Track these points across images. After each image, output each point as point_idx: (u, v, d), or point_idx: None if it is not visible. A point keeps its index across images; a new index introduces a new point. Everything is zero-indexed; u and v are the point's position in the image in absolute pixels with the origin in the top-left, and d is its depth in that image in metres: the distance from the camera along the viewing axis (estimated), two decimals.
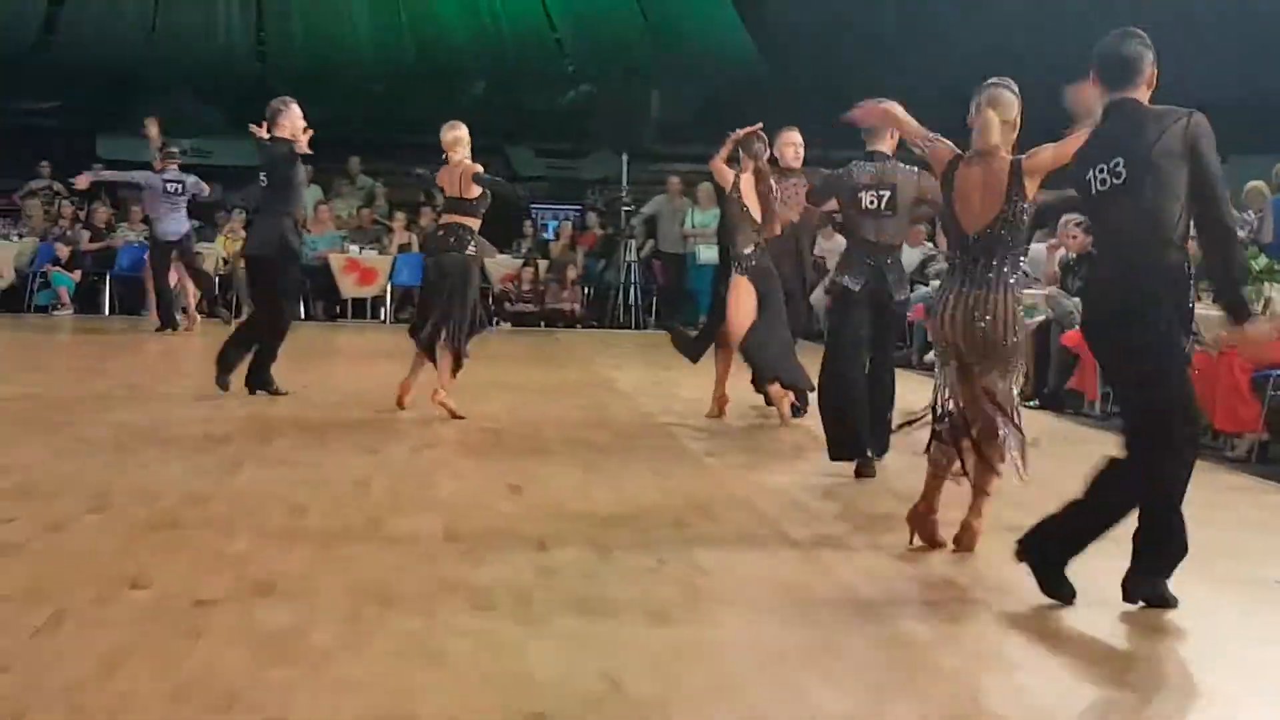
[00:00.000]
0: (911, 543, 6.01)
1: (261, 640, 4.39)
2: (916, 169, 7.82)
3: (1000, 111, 5.72)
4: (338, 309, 19.19)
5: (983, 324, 5.66)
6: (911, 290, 13.81)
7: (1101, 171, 4.99)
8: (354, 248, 19.09)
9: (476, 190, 9.65)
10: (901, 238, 8.28)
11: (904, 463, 8.42)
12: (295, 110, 10.83)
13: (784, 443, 9.22)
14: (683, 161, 21.39)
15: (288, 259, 10.77)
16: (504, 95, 24.78)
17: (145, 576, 5.08)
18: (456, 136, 9.83)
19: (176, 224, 15.77)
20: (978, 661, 4.56)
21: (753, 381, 10.21)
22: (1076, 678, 4.45)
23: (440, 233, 9.89)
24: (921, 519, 6.00)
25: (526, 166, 22.98)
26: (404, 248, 19.24)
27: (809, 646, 4.56)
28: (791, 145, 10.21)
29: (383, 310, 19.08)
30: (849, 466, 7.80)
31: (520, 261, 19.42)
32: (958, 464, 5.86)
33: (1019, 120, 5.79)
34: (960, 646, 4.70)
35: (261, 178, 10.88)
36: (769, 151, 9.80)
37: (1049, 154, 5.63)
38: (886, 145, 8.02)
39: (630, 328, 19.43)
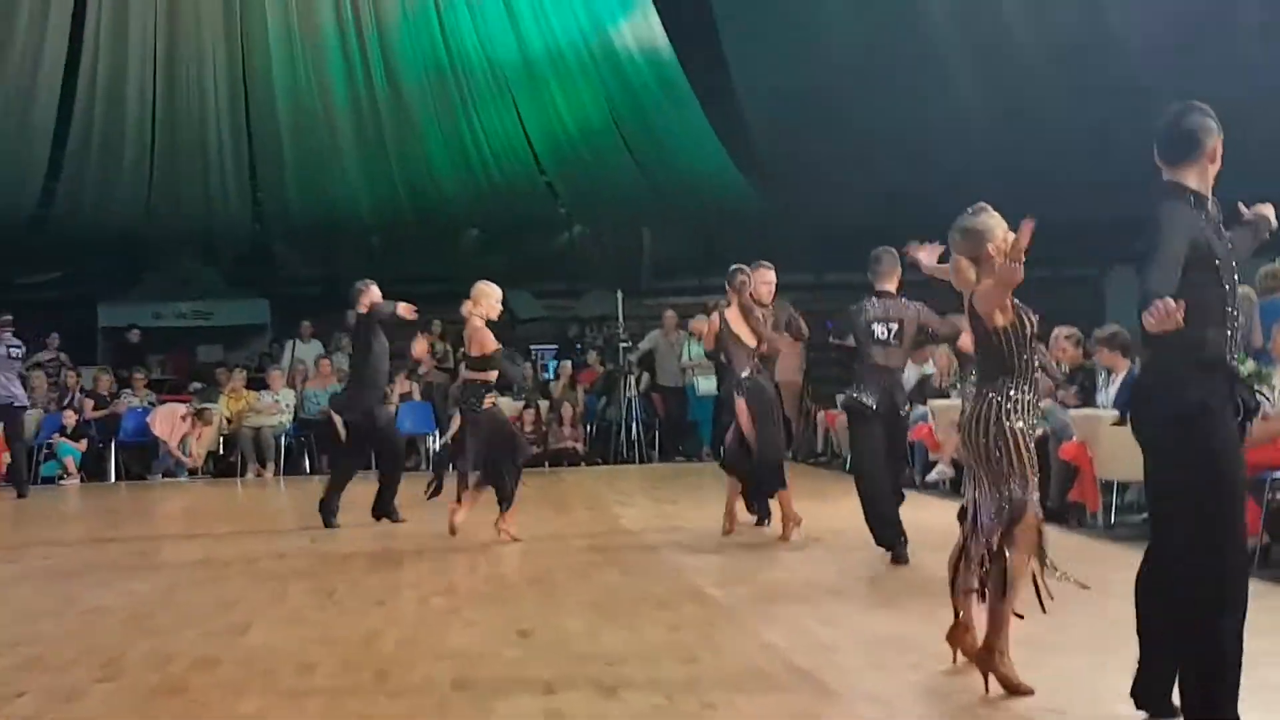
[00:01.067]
0: (955, 661, 6.00)
1: None
2: (918, 305, 9.53)
3: (968, 249, 5.76)
4: None
5: (971, 438, 5.75)
6: (911, 408, 13.93)
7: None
8: None
9: (490, 350, 10.63)
10: (904, 362, 9.84)
11: (902, 584, 8.50)
12: (374, 290, 12.49)
13: (790, 571, 9.22)
14: (677, 295, 21.69)
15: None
16: (499, 241, 25.13)
17: None
18: (473, 299, 10.74)
19: (16, 388, 16.35)
20: None
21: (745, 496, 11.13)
22: None
23: (463, 389, 10.98)
24: (961, 636, 5.99)
25: (525, 309, 23.22)
26: (406, 396, 19.37)
27: None
28: (765, 283, 11.12)
29: None
30: (857, 589, 7.91)
31: (521, 403, 19.53)
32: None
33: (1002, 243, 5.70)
34: None
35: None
36: (750, 284, 10.74)
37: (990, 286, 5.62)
38: (892, 284, 9.55)
39: (634, 462, 19.50)
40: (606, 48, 22.15)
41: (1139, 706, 5.00)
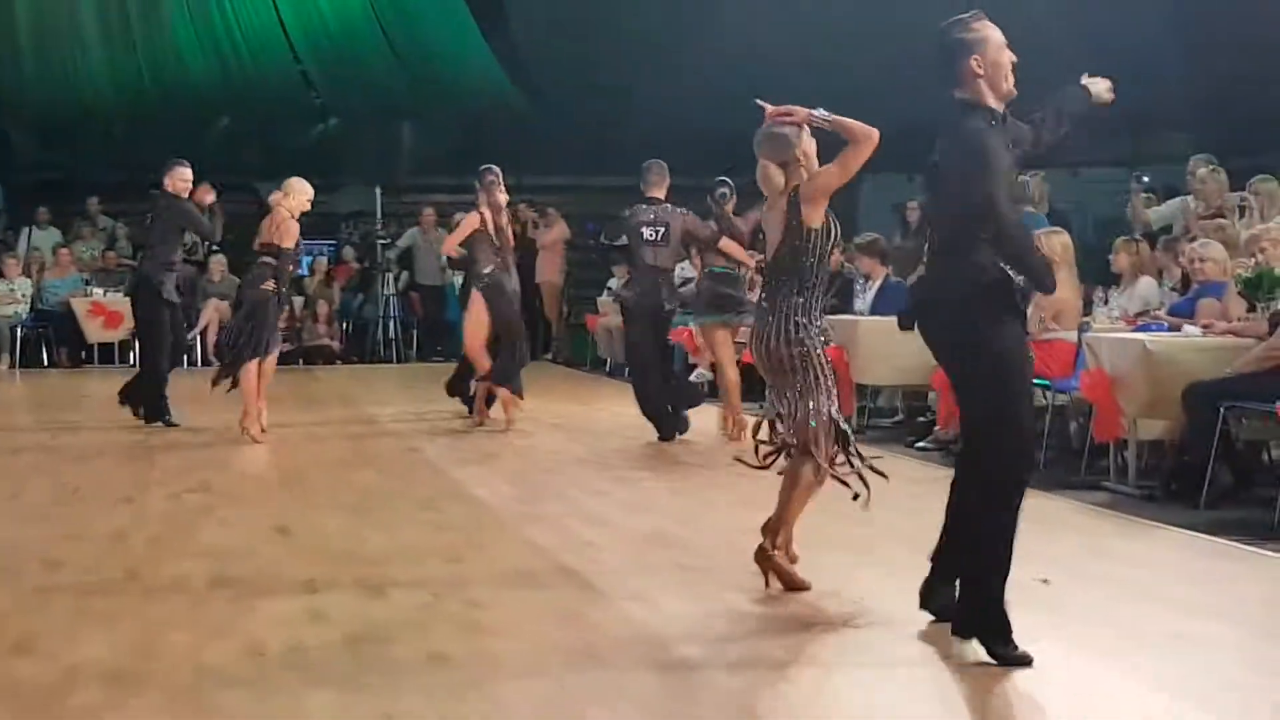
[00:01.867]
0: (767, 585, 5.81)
1: (23, 702, 4.24)
2: (682, 210, 10.56)
3: (775, 155, 5.76)
4: (83, 354, 18.56)
5: (764, 348, 5.76)
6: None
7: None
8: (98, 291, 18.49)
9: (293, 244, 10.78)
10: (673, 263, 10.91)
11: (661, 485, 8.58)
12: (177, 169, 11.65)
13: (553, 472, 9.21)
14: (438, 193, 21.35)
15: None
16: (251, 131, 24.38)
17: None
18: (284, 190, 10.85)
19: None
20: (756, 682, 4.64)
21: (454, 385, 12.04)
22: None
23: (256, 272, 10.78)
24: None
25: None
26: (138, 282, 18.68)
27: (590, 682, 4.56)
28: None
29: (131, 354, 18.50)
30: (618, 490, 8.05)
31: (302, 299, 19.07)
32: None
33: (806, 146, 5.75)
34: (745, 672, 4.76)
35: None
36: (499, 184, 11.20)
37: (830, 177, 5.66)
38: (660, 192, 10.60)
39: (391, 361, 19.25)
40: None
41: (924, 606, 5.11)
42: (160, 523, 7.28)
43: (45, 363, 18.28)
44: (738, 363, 12.95)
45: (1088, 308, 9.82)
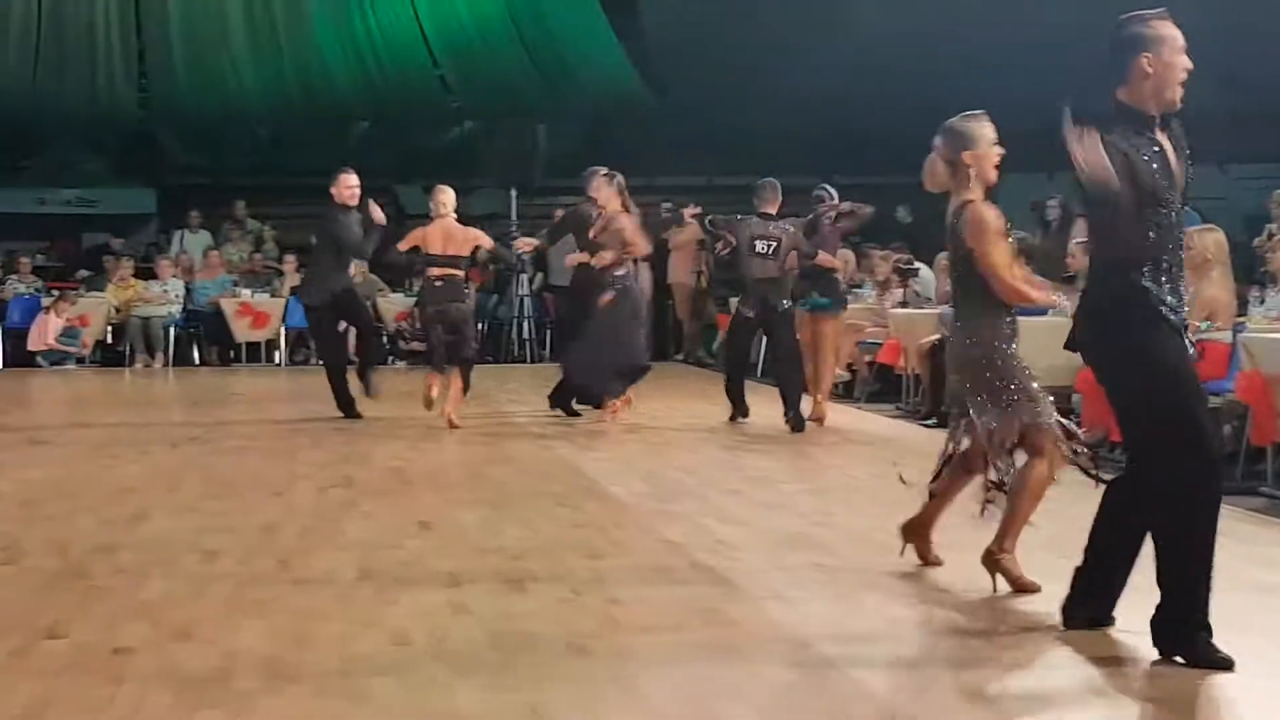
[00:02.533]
0: (902, 554, 6.09)
1: (183, 685, 4.42)
2: (792, 227, 11.40)
3: (946, 150, 5.71)
4: (231, 354, 19.05)
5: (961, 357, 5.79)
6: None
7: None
8: (245, 292, 18.98)
9: (468, 249, 11.49)
10: (781, 274, 11.38)
11: (796, 484, 8.62)
12: (342, 177, 12.00)
13: (686, 470, 9.30)
14: (571, 194, 21.53)
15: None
16: (390, 135, 24.78)
17: (61, 626, 5.09)
18: (450, 199, 11.50)
19: None
20: (897, 682, 4.69)
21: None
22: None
23: (439, 284, 11.34)
24: (920, 532, 6.09)
25: (416, 204, 22.94)
26: (296, 290, 19.13)
27: (729, 677, 4.63)
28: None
29: (277, 353, 18.97)
30: (753, 490, 8.11)
31: (413, 300, 19.36)
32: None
33: (981, 149, 5.64)
34: (885, 671, 4.81)
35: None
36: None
37: (999, 251, 5.60)
38: (773, 209, 11.42)
39: (525, 361, 19.48)
40: None
41: (1067, 625, 5.03)
42: (308, 516, 7.50)
43: (196, 361, 18.81)
44: (871, 363, 13.03)
45: (1242, 307, 9.62)
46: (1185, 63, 4.68)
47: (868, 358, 13.74)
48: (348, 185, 11.86)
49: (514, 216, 21.07)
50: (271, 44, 22.73)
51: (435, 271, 11.43)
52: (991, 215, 5.59)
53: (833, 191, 12.41)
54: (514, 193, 21.04)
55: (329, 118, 24.33)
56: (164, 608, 5.43)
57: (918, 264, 14.48)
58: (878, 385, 13.64)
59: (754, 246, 11.29)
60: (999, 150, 5.67)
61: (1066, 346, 4.96)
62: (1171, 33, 4.68)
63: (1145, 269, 4.61)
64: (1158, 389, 4.60)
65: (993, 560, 5.61)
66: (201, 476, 8.84)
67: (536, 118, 23.40)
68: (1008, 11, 18.31)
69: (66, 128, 22.82)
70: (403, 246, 11.75)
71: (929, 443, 10.52)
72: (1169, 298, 4.63)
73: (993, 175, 5.68)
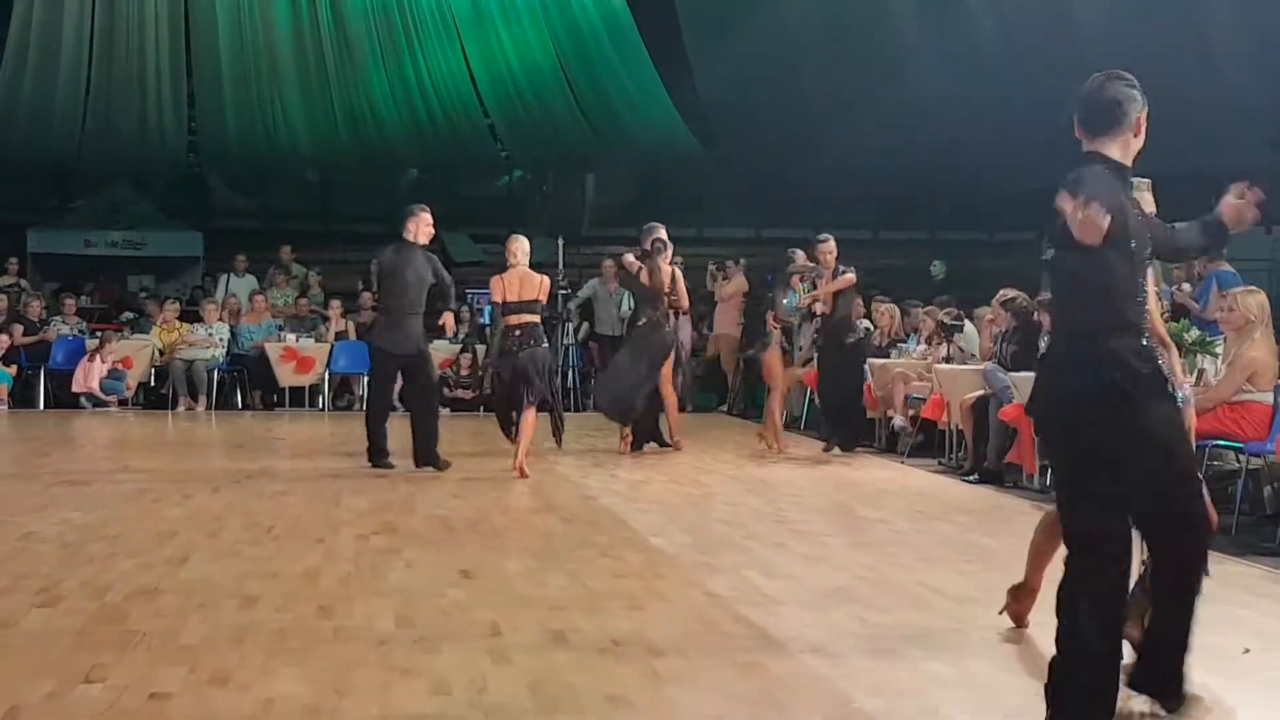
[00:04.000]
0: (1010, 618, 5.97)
1: None
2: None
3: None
4: (275, 398, 19.10)
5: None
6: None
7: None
8: (290, 336, 19.04)
9: (544, 296, 11.77)
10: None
11: (840, 539, 8.53)
12: (423, 215, 11.86)
13: (729, 524, 9.22)
14: (618, 244, 21.60)
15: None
16: (438, 182, 24.94)
17: (99, 670, 5.07)
18: (524, 248, 11.69)
19: None
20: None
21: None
22: None
23: (518, 332, 11.49)
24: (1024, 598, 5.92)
25: (463, 252, 23.07)
26: (341, 335, 19.22)
27: None
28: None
29: (320, 398, 19.01)
30: (795, 543, 7.99)
31: (458, 347, 19.41)
32: None
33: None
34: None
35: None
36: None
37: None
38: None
39: (569, 410, 19.43)
40: None
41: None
42: (349, 563, 7.46)
43: (239, 405, 18.86)
44: (915, 417, 13.08)
45: None
46: None
47: (912, 412, 13.66)
48: (428, 223, 11.81)
49: (560, 265, 21.10)
50: (322, 88, 22.95)
51: (513, 320, 11.54)
52: None
53: (799, 253, 14.02)
54: (561, 241, 21.06)
55: (378, 164, 24.52)
56: (202, 653, 5.40)
57: (963, 319, 14.41)
58: (920, 438, 13.56)
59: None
60: None
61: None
62: None
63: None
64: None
65: None
66: (243, 521, 8.83)
67: (585, 168, 23.51)
68: (1055, 88, 18.31)
69: (114, 169, 23.05)
70: (496, 298, 11.68)
71: (970, 499, 10.47)
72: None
73: None
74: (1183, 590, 4.57)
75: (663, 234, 13.48)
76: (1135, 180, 5.23)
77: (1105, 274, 4.40)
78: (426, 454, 11.53)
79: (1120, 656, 4.41)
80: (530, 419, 11.47)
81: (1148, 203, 5.38)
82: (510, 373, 11.48)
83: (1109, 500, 4.37)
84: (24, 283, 20.21)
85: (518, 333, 11.51)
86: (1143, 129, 4.65)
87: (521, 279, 11.57)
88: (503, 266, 11.82)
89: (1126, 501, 4.40)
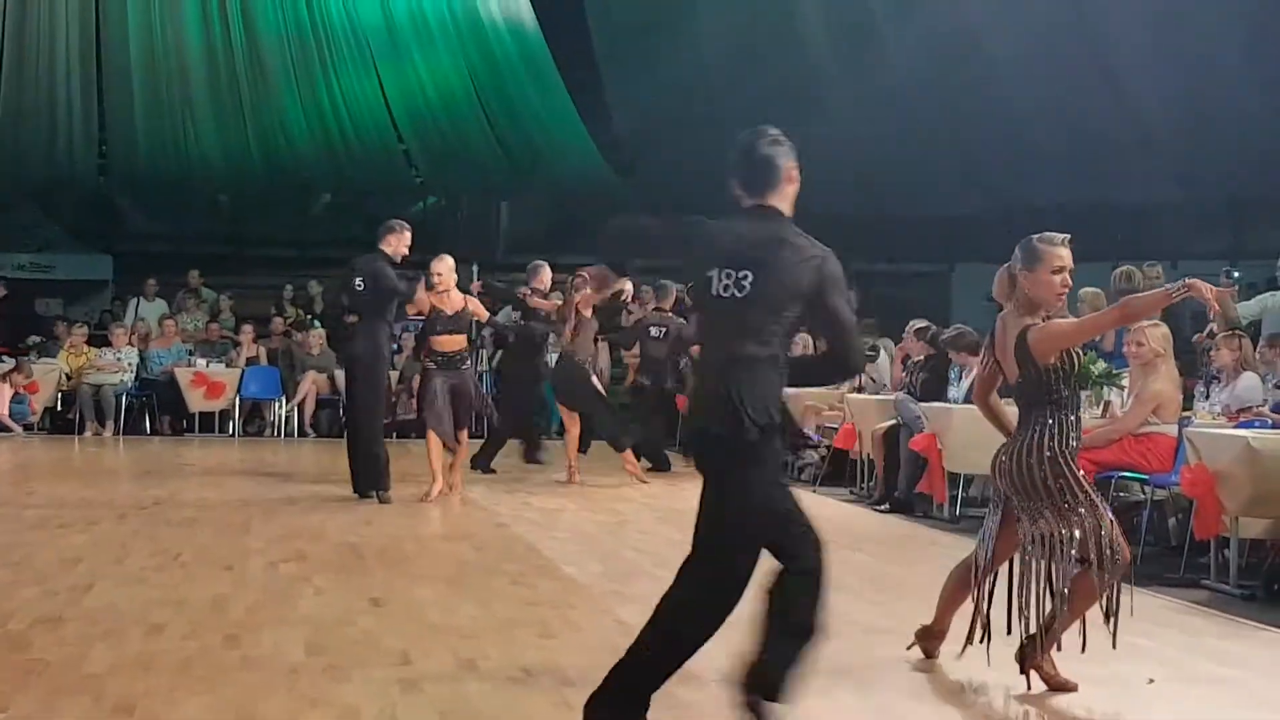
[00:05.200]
0: (924, 654, 5.99)
1: None
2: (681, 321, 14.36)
3: (1019, 263, 5.62)
4: (184, 423, 18.88)
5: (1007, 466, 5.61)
6: None
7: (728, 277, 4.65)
8: (201, 361, 18.84)
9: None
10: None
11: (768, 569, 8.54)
12: (406, 232, 11.82)
13: (640, 550, 9.22)
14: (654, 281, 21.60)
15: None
16: (352, 206, 24.81)
17: (1, 700, 4.97)
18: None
19: None
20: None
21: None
22: None
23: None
24: (933, 639, 5.97)
25: None
26: (252, 360, 19.03)
27: None
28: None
29: (231, 424, 18.81)
30: None
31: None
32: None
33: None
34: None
35: (357, 283, 11.56)
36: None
37: (1067, 331, 5.53)
38: (667, 304, 15.01)
39: (482, 436, 19.34)
40: (471, 16, 22.01)
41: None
42: (258, 590, 7.39)
43: (148, 430, 18.61)
44: (827, 447, 13.23)
45: (1188, 402, 9.71)
46: None
47: (826, 441, 13.73)
48: (407, 242, 11.72)
49: (474, 293, 21.03)
50: (235, 111, 22.80)
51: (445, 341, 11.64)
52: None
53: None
54: (475, 268, 21.02)
55: (290, 187, 24.35)
56: (107, 682, 5.32)
57: (877, 349, 14.53)
58: (829, 469, 13.60)
59: (649, 332, 14.85)
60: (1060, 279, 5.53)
61: None
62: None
63: None
64: None
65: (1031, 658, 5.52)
66: (150, 548, 8.71)
67: (500, 195, 23.50)
68: (966, 120, 18.64)
69: (23, 191, 22.73)
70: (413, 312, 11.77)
71: (882, 528, 10.55)
72: None
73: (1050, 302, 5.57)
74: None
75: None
76: (1055, 236, 5.38)
77: None
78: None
79: None
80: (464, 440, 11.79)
81: (1065, 259, 5.53)
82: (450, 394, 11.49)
83: None
84: None
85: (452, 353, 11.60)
86: (796, 175, 4.82)
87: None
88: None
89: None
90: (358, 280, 11.52)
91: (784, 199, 4.78)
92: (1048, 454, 5.47)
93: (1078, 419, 5.59)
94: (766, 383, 4.59)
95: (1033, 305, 5.54)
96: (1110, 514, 5.52)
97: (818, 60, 20.40)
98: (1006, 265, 5.66)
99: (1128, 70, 18.34)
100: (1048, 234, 5.59)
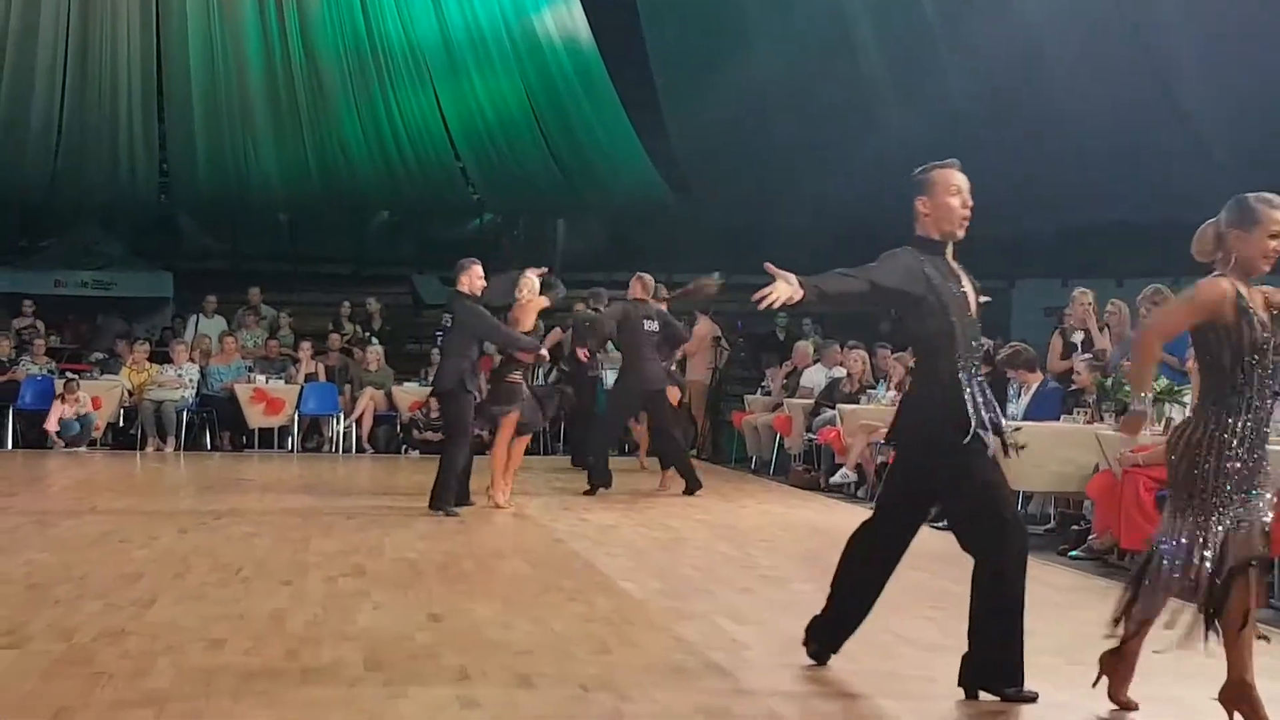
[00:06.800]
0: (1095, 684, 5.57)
1: None
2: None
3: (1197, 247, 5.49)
4: (244, 439, 19.05)
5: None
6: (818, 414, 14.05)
7: None
8: (260, 378, 19.01)
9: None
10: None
11: (807, 585, 8.53)
12: (473, 269, 12.03)
13: (698, 568, 9.23)
14: (587, 288, 21.66)
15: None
16: (409, 224, 24.97)
17: (65, 713, 5.03)
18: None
19: None
20: None
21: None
22: None
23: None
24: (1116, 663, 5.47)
25: (433, 294, 23.07)
26: (310, 377, 19.18)
27: None
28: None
29: (290, 440, 18.96)
30: (764, 589, 7.97)
31: (428, 389, 19.37)
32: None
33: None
34: None
35: (446, 320, 12.10)
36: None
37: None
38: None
39: (538, 453, 19.42)
40: (528, 35, 22.11)
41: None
42: (317, 605, 7.44)
43: (208, 446, 18.79)
44: (883, 464, 13.17)
45: None
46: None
47: (880, 459, 13.68)
48: (480, 275, 11.85)
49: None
50: (294, 130, 22.98)
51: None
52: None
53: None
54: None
55: (348, 206, 24.54)
56: (169, 696, 5.37)
57: None
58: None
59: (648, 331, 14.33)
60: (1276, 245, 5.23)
61: None
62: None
63: None
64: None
65: (1238, 696, 5.12)
66: (210, 563, 8.79)
67: (557, 213, 23.57)
68: (1025, 137, 18.56)
69: (85, 210, 23.04)
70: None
71: (939, 545, 10.48)
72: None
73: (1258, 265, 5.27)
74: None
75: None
76: (1275, 198, 5.27)
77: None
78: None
79: None
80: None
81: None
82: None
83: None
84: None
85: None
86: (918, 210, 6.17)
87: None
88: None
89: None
90: (445, 317, 12.10)
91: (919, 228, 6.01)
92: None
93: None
94: None
95: (1243, 268, 5.24)
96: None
97: (872, 80, 20.37)
98: (1213, 221, 5.37)
99: (1187, 87, 18.20)
100: (1265, 194, 5.26)
